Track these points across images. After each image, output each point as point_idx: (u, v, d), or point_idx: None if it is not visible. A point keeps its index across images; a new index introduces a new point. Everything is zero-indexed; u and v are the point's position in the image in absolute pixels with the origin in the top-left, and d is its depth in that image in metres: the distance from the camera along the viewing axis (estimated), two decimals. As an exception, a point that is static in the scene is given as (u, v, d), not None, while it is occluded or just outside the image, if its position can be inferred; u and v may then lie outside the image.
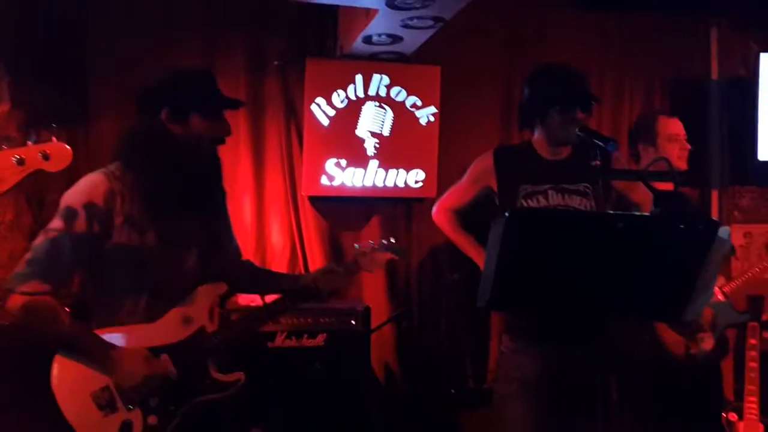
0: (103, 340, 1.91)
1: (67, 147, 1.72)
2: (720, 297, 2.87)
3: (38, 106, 3.14)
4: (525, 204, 2.30)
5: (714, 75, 4.14)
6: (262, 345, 3.05)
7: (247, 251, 3.62)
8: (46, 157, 1.69)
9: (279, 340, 3.12)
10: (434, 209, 2.70)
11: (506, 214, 1.63)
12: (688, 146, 2.88)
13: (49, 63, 3.24)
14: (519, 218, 1.69)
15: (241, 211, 3.62)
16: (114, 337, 1.94)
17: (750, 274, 3.14)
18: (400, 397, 3.74)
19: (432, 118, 3.72)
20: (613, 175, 2.17)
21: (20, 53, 3.22)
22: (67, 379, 1.89)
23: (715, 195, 4.15)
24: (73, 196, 1.93)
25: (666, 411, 2.72)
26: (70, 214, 1.90)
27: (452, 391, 3.69)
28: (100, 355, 1.89)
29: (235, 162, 3.58)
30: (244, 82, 3.59)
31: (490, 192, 2.48)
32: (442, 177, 3.74)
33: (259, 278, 2.36)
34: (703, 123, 4.10)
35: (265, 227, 3.68)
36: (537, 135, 2.40)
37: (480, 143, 3.75)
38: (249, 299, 3.04)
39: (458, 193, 2.60)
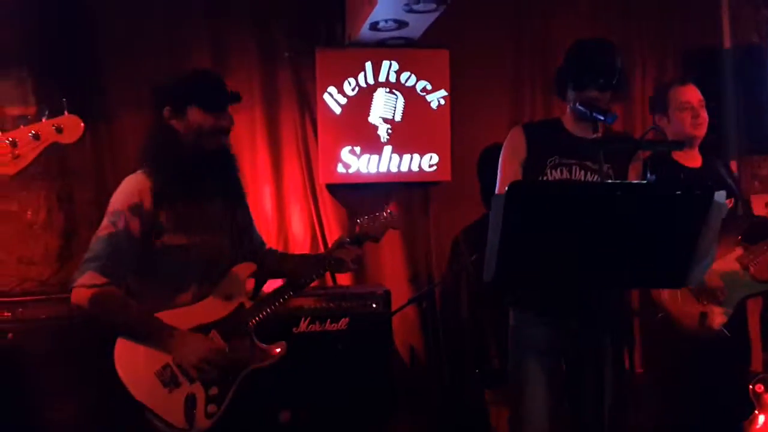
0: (164, 324, 2.04)
1: (79, 119, 1.76)
2: (736, 268, 2.82)
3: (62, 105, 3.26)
4: (550, 174, 2.31)
5: (726, 44, 4.09)
6: (287, 330, 3.13)
7: (269, 241, 3.66)
8: (59, 130, 1.74)
9: (303, 326, 3.20)
10: None
11: (506, 188, 1.66)
12: (702, 112, 2.82)
13: (70, 65, 3.36)
14: (519, 191, 1.69)
15: (261, 202, 3.70)
16: (166, 319, 2.07)
17: None
18: (425, 378, 3.81)
19: (443, 102, 3.76)
20: (611, 145, 2.18)
21: (42, 57, 3.36)
22: (131, 361, 2.00)
23: (734, 165, 4.11)
24: (123, 197, 2.07)
25: (692, 381, 2.72)
26: (123, 214, 2.04)
27: (476, 370, 3.73)
28: (162, 338, 2.02)
29: (254, 154, 3.67)
30: (258, 75, 3.67)
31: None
32: (456, 160, 3.78)
33: (286, 261, 2.51)
34: (718, 93, 4.06)
35: (285, 217, 3.76)
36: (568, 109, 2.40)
37: (491, 123, 3.79)
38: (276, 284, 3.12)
39: (506, 180, 2.47)
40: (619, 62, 2.31)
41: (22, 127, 1.71)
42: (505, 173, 2.42)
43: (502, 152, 2.47)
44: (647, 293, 2.71)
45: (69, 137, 1.75)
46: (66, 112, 1.75)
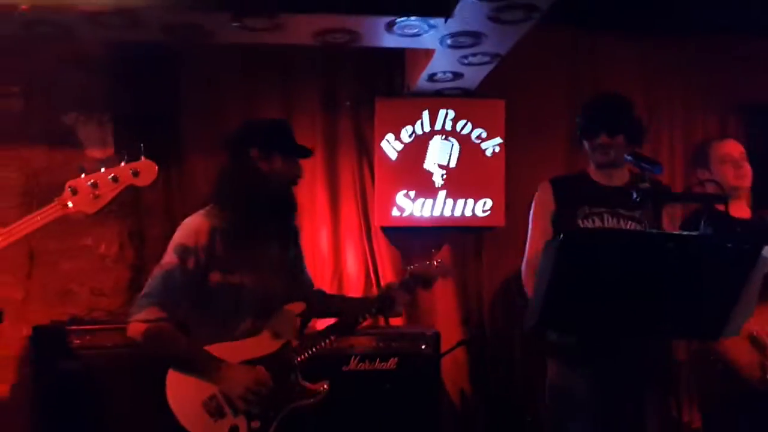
0: (213, 356, 2.15)
1: (154, 164, 1.89)
2: None
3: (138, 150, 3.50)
4: (582, 223, 2.34)
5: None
6: (337, 368, 3.19)
7: (325, 279, 3.82)
8: (135, 173, 1.88)
9: (353, 364, 3.25)
10: (523, 272, 2.52)
11: (561, 235, 1.70)
12: (744, 164, 2.84)
13: (147, 112, 3.60)
14: (573, 239, 1.73)
15: (319, 242, 3.84)
16: (216, 352, 2.18)
17: None
18: (474, 422, 3.79)
19: (498, 149, 3.83)
20: (661, 197, 2.20)
21: (123, 104, 3.63)
22: (180, 390, 2.13)
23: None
24: (182, 236, 2.20)
25: None
26: (181, 252, 2.17)
27: (528, 418, 3.69)
28: (210, 369, 2.14)
29: (313, 196, 3.82)
30: (320, 122, 3.85)
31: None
32: (510, 205, 3.82)
33: (332, 302, 2.62)
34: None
35: (341, 257, 3.88)
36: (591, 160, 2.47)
37: (546, 170, 3.79)
38: (325, 323, 3.21)
39: (537, 238, 2.48)
40: (626, 107, 2.38)
41: (102, 170, 1.86)
42: (535, 228, 2.47)
43: (532, 207, 2.53)
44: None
45: (144, 180, 1.89)
46: (143, 157, 1.90)
